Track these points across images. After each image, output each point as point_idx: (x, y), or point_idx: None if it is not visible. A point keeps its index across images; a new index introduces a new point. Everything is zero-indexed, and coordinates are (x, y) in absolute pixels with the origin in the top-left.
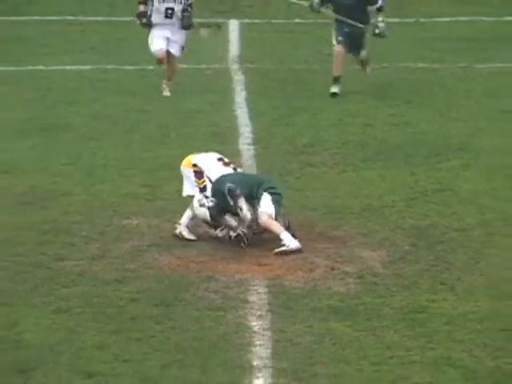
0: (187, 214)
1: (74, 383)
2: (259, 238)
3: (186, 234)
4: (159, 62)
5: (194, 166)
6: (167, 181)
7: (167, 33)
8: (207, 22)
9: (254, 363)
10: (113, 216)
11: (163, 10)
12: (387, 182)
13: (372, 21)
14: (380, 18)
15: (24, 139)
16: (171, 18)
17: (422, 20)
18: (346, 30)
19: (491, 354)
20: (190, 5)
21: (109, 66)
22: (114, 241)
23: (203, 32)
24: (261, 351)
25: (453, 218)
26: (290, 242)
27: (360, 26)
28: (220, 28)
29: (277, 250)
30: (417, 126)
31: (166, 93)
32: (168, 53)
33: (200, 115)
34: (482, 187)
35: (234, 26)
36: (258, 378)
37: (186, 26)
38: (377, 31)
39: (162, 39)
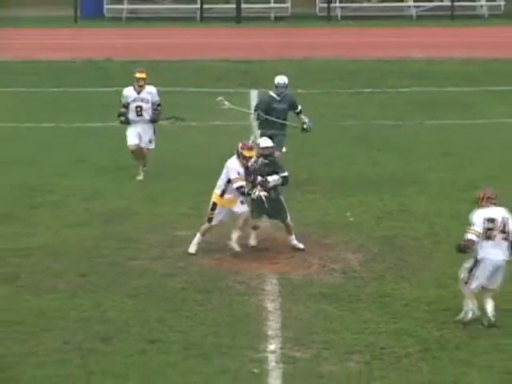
0: (235, 234)
1: (140, 347)
2: (272, 245)
3: (235, 246)
4: (132, 153)
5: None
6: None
7: (139, 129)
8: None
9: (269, 333)
10: (169, 229)
11: (134, 108)
12: (363, 205)
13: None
14: (304, 117)
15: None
16: (141, 115)
17: (388, 90)
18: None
19: (437, 327)
20: (158, 104)
21: None
22: (169, 246)
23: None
24: (273, 325)
25: (410, 230)
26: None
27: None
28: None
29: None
30: (385, 165)
31: (139, 177)
32: (140, 146)
33: None
34: (431, 209)
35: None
36: (271, 344)
37: (152, 120)
38: (305, 126)
39: (134, 135)
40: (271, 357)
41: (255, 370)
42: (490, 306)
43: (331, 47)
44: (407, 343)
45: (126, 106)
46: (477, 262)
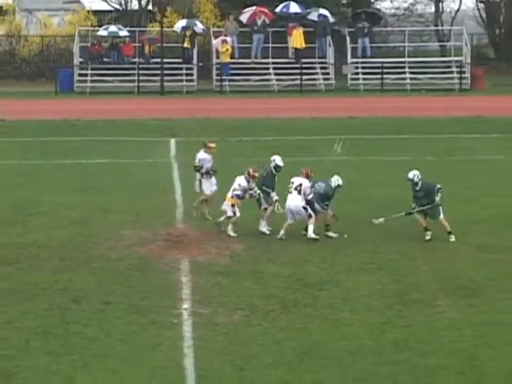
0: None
1: (99, 307)
2: (185, 239)
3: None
4: (205, 198)
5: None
6: (145, 213)
7: (212, 180)
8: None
9: (183, 297)
10: (118, 229)
11: (208, 167)
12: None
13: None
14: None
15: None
16: (213, 171)
17: (260, 138)
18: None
19: (292, 292)
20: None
21: None
22: (118, 241)
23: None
24: (186, 291)
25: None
26: None
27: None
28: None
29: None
30: None
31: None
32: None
33: None
34: None
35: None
36: (184, 304)
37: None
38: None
39: (209, 186)
40: (185, 312)
41: (174, 321)
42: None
43: (223, 111)
44: (273, 302)
45: (202, 166)
46: None
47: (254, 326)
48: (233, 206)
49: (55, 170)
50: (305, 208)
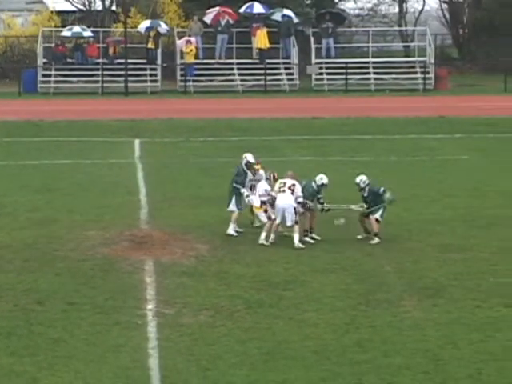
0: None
1: (63, 307)
2: (149, 240)
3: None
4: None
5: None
6: (108, 213)
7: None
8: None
9: (147, 297)
10: (81, 230)
11: (249, 185)
12: (208, 214)
13: None
14: None
15: None
16: (254, 190)
17: (224, 138)
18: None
19: (257, 292)
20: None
21: None
22: (81, 242)
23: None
24: (150, 292)
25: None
26: None
27: None
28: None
29: None
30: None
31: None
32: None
33: None
34: None
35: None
36: (149, 304)
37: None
38: None
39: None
40: (149, 313)
41: (139, 322)
42: None
43: (187, 111)
44: (238, 303)
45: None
46: None
47: (219, 327)
48: (265, 211)
49: (18, 171)
50: (294, 208)
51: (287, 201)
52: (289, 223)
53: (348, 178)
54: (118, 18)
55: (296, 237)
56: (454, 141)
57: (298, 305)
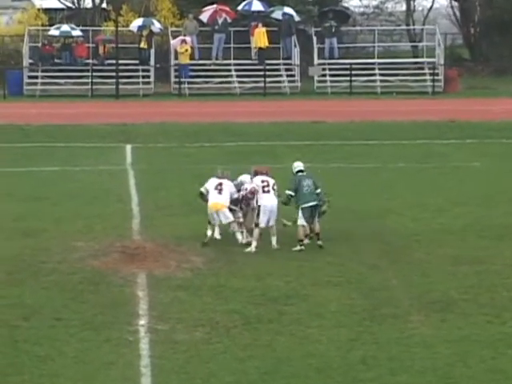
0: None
1: (50, 323)
2: (142, 252)
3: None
4: None
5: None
6: (97, 223)
7: None
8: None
9: (140, 312)
10: (69, 241)
11: None
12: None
13: None
14: None
15: None
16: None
17: (220, 144)
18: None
19: (255, 307)
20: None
21: None
22: (70, 253)
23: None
24: (143, 307)
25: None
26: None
27: None
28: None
29: None
30: None
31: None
32: None
33: None
34: None
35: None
36: (141, 320)
37: None
38: None
39: None
40: (141, 329)
41: (130, 338)
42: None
43: (182, 115)
44: (235, 318)
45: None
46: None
47: (215, 344)
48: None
49: (3, 178)
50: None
51: (273, 202)
52: (271, 223)
53: (352, 185)
54: (108, 16)
55: (274, 239)
56: (465, 146)
57: (299, 320)
